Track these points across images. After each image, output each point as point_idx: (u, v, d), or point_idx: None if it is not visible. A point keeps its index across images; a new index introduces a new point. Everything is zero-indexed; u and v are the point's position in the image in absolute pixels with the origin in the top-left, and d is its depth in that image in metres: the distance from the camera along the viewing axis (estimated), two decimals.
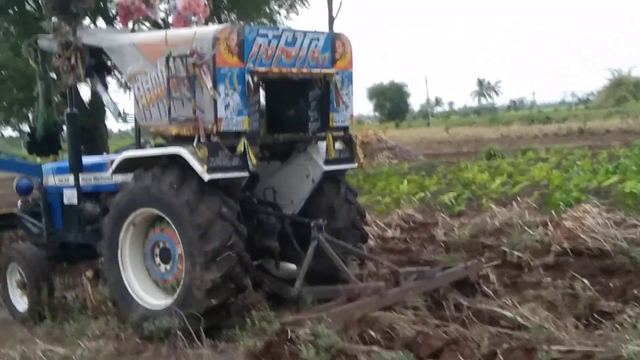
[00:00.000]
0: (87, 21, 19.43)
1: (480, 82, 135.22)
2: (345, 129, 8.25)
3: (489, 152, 27.33)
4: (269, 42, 7.41)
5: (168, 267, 7.56)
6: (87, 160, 8.93)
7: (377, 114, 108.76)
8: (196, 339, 6.81)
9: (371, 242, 11.28)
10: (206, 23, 9.18)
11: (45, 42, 8.93)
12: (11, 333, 8.04)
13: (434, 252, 10.27)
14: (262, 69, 7.36)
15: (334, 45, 7.98)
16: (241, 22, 7.96)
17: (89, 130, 20.62)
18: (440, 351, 5.88)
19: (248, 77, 7.23)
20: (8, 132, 26.62)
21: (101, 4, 20.88)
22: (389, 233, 11.90)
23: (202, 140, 7.12)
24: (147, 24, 13.10)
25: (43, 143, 9.47)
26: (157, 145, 7.89)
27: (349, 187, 8.54)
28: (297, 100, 8.10)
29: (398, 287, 7.28)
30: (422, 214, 13.25)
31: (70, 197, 8.88)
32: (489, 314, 6.87)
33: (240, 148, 7.20)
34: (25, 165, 9.81)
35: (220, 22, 22.99)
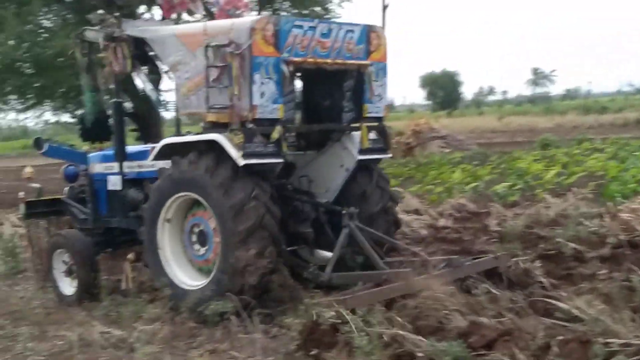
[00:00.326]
0: (142, 9, 19.61)
1: (535, 71, 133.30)
2: (379, 119, 8.40)
3: (543, 142, 26.99)
4: (305, 32, 7.60)
5: (206, 247, 7.83)
6: (131, 148, 9.25)
7: (429, 102, 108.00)
8: (239, 323, 6.91)
9: (423, 231, 11.26)
10: (259, 12, 9.33)
11: (92, 33, 9.23)
12: (69, 315, 8.21)
13: (487, 243, 10.17)
14: (297, 59, 7.55)
15: (369, 37, 8.12)
16: (278, 13, 8.15)
17: (144, 117, 20.94)
18: (493, 342, 5.85)
19: (283, 67, 7.43)
20: (65, 118, 27.16)
21: None
22: (441, 222, 11.83)
23: (237, 127, 7.33)
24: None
25: (93, 130, 9.79)
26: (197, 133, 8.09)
27: (381, 174, 8.69)
28: (332, 91, 8.31)
29: (426, 274, 7.33)
30: (475, 203, 13.14)
31: (114, 183, 9.16)
32: (543, 305, 6.81)
33: (274, 135, 7.44)
34: (72, 153, 10.10)
35: (274, 11, 23.11)
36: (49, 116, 27.29)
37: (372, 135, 8.28)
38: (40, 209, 9.95)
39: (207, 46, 7.47)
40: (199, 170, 7.48)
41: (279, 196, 7.87)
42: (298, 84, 8.53)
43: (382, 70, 8.32)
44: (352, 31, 7.98)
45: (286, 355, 6.41)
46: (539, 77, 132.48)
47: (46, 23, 22.46)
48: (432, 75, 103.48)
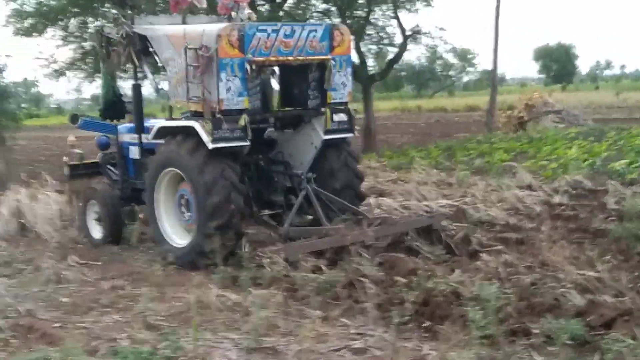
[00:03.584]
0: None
1: None
2: (343, 104, 9.80)
3: None
4: (268, 35, 9.03)
5: (190, 213, 9.31)
6: (149, 123, 10.59)
7: (542, 75, 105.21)
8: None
9: (537, 207, 11.04)
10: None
11: (108, 29, 10.79)
12: (188, 278, 8.46)
13: (604, 221, 9.88)
14: (260, 58, 9.04)
15: (332, 34, 9.54)
16: (245, 21, 9.66)
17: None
18: (613, 321, 5.73)
19: (247, 66, 8.90)
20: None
21: None
22: (556, 199, 11.57)
23: (208, 116, 8.82)
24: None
25: (110, 110, 11.37)
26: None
27: (350, 153, 10.09)
28: (300, 82, 9.79)
29: (360, 230, 8.70)
30: (592, 181, 12.76)
31: (135, 152, 10.79)
32: None
33: (241, 122, 8.91)
34: (104, 125, 11.60)
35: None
36: None
37: (339, 117, 9.69)
38: (82, 171, 11.86)
39: (185, 48, 8.90)
40: (180, 151, 9.00)
41: (255, 170, 9.79)
42: (277, 76, 10.06)
43: (346, 61, 9.76)
44: (315, 31, 9.42)
45: (398, 326, 6.42)
46: None
47: None
48: (546, 48, 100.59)
